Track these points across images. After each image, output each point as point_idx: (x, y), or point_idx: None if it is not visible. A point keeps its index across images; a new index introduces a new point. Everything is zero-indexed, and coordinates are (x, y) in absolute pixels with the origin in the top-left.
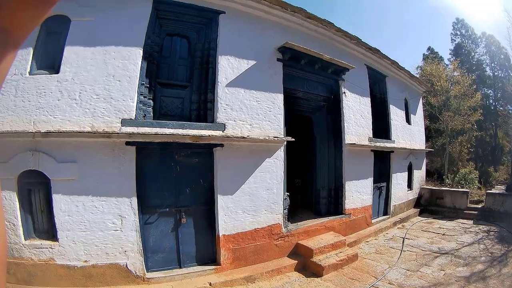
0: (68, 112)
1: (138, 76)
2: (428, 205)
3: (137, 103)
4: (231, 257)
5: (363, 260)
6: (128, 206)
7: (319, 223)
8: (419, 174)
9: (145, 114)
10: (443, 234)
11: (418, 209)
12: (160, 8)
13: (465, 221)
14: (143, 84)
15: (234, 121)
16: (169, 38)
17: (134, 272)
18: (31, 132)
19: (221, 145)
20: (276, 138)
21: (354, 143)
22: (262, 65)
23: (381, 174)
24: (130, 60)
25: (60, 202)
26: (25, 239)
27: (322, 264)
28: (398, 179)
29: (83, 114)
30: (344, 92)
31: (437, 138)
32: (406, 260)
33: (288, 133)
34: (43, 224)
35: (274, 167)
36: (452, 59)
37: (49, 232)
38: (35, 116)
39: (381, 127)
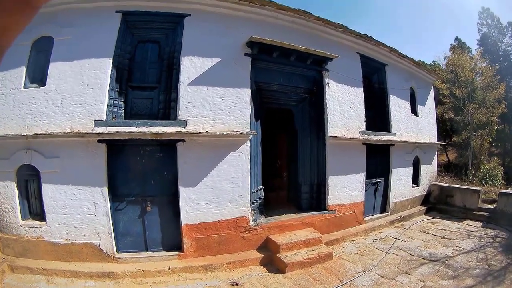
0: (52, 117)
1: (108, 83)
2: (437, 203)
3: (107, 106)
4: (195, 245)
5: (338, 261)
6: (100, 194)
7: (294, 218)
8: (429, 169)
9: (115, 115)
10: (443, 237)
11: (425, 207)
12: (130, 19)
13: (473, 223)
14: (112, 89)
15: (196, 117)
16: (142, 44)
17: (105, 252)
18: (24, 135)
19: (183, 141)
20: (238, 133)
21: (336, 136)
22: (228, 62)
23: (378, 169)
24: (101, 70)
25: (48, 190)
26: (22, 220)
27: (286, 261)
28: (400, 175)
29: (64, 118)
30: (328, 83)
31: (462, 131)
32: (387, 265)
33: (265, 127)
34: (36, 208)
35: (239, 161)
36: (479, 49)
37: (40, 214)
38: (28, 122)
39: (380, 119)
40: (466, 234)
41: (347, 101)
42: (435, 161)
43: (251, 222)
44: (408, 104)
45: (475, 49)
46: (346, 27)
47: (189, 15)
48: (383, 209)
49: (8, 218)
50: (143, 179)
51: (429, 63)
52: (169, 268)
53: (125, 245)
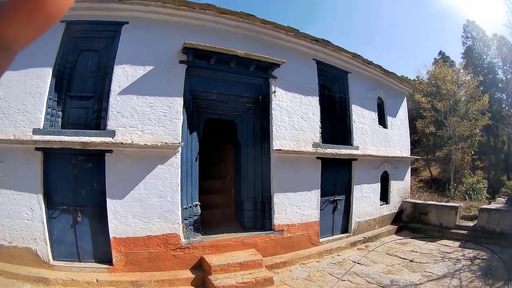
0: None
1: (47, 92)
2: (410, 222)
3: (44, 115)
4: (124, 260)
5: (280, 287)
6: (36, 201)
7: (233, 238)
8: (400, 186)
9: (52, 124)
10: (411, 261)
11: (396, 227)
12: (72, 29)
13: (449, 242)
14: (51, 98)
15: (124, 127)
16: (84, 53)
17: (42, 258)
18: None
19: (111, 151)
20: (165, 144)
21: (281, 149)
22: (161, 70)
23: (338, 186)
24: (42, 79)
25: None
26: None
27: (217, 283)
28: (365, 192)
29: (9, 125)
30: (274, 91)
31: (444, 145)
32: None
33: (207, 139)
34: None
35: (168, 174)
36: (462, 62)
37: None
38: None
39: (340, 131)
40: (439, 256)
41: (298, 111)
42: (408, 177)
43: (183, 240)
44: (375, 115)
45: (459, 63)
46: (298, 30)
47: (127, 22)
48: (345, 229)
49: None
50: (74, 189)
51: (412, 78)
52: (97, 280)
53: (60, 253)
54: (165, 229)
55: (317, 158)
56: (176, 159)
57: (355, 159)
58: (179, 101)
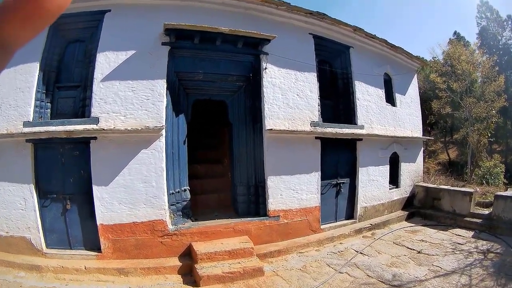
0: None
1: (35, 85)
2: (422, 208)
3: (33, 107)
4: (112, 247)
5: (271, 278)
6: (28, 191)
7: (223, 224)
8: (412, 168)
9: (41, 116)
10: (419, 252)
11: (407, 213)
12: (58, 22)
13: (462, 232)
14: (39, 91)
15: (108, 113)
16: (72, 45)
17: (35, 246)
18: None
19: (95, 138)
20: (146, 128)
21: (272, 129)
22: (143, 53)
23: (341, 168)
24: (30, 74)
25: None
26: None
27: (201, 273)
28: (372, 174)
29: (2, 120)
30: (265, 68)
31: (461, 127)
32: None
33: (194, 120)
34: None
35: (152, 159)
36: (477, 42)
37: None
38: None
39: (343, 109)
40: (450, 247)
41: (294, 88)
42: (420, 159)
43: (170, 227)
44: (381, 92)
45: (473, 43)
46: (289, 3)
47: (109, 10)
48: (350, 215)
49: None
50: (63, 177)
51: (428, 59)
52: (85, 268)
53: (52, 241)
54: (151, 215)
55: (316, 138)
56: (160, 143)
57: (360, 139)
58: (162, 84)
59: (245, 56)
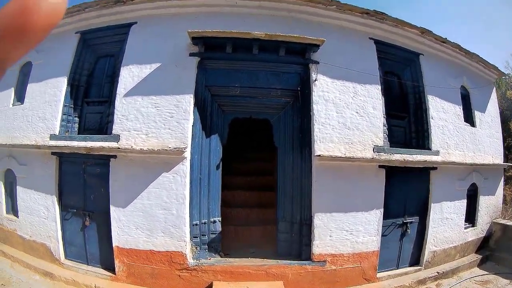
0: (25, 131)
1: (62, 100)
2: (498, 250)
3: (60, 121)
4: (126, 271)
5: None
6: (51, 202)
7: (255, 266)
8: (491, 202)
9: (68, 130)
10: None
11: (480, 257)
12: (87, 38)
13: None
14: (66, 105)
15: (129, 131)
16: (103, 59)
17: (54, 255)
18: (7, 144)
19: (115, 157)
20: (168, 149)
21: (322, 155)
22: (168, 66)
23: (409, 204)
24: (58, 88)
25: (20, 192)
26: (6, 213)
27: None
28: (445, 212)
29: (32, 132)
30: (316, 80)
31: None
32: None
33: (230, 142)
34: (14, 205)
35: (174, 184)
36: None
37: (16, 211)
38: (12, 134)
39: (413, 130)
40: None
41: (352, 104)
42: (500, 190)
43: (190, 261)
44: (459, 110)
45: None
46: (339, 2)
47: (136, 23)
48: (415, 261)
49: None
50: (84, 193)
51: (507, 73)
52: (95, 286)
53: (71, 253)
54: (170, 246)
55: (380, 166)
56: (183, 167)
57: (434, 168)
58: (188, 99)
59: (290, 66)
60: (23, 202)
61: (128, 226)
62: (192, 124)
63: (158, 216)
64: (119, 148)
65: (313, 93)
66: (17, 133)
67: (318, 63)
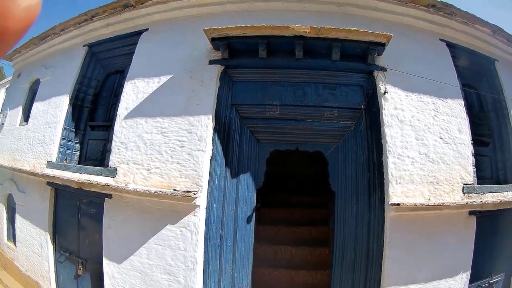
0: (26, 154)
1: (62, 121)
2: None
3: (58, 147)
4: None
5: None
6: (45, 239)
7: None
8: None
9: (67, 158)
10: None
11: None
12: (95, 51)
13: None
14: (66, 128)
15: (127, 164)
16: (113, 76)
17: None
18: (8, 167)
19: (109, 196)
20: (174, 192)
21: (400, 204)
22: (181, 78)
23: (496, 258)
24: (59, 108)
25: (18, 220)
26: (7, 240)
27: None
28: None
29: (32, 156)
30: (385, 92)
31: None
32: None
33: (267, 185)
34: (14, 233)
35: (181, 242)
36: None
37: (15, 239)
38: (15, 156)
39: (499, 159)
40: None
41: (434, 126)
42: None
43: None
44: None
45: None
46: None
47: (147, 29)
48: None
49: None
50: (78, 237)
51: None
52: None
53: None
54: None
55: (470, 213)
56: (195, 218)
57: None
58: (206, 122)
59: (348, 75)
60: (20, 232)
61: (124, 287)
62: (210, 158)
63: (160, 281)
64: (109, 185)
65: (383, 111)
66: (18, 155)
67: (385, 70)
